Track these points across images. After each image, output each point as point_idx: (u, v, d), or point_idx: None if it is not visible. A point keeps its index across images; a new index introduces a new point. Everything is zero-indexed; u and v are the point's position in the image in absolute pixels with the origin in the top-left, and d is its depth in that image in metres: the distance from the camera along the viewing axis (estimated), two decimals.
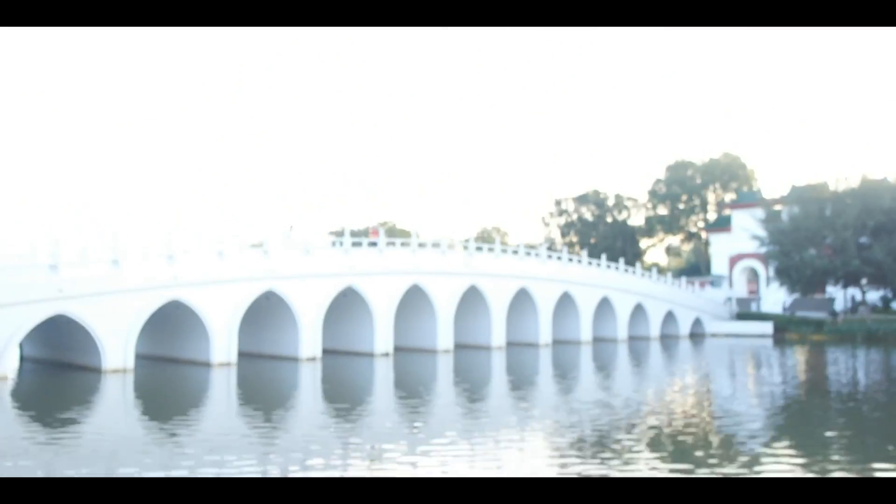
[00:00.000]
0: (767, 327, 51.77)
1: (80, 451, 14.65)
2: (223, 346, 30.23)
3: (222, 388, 24.86)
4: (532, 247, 52.42)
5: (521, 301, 42.67)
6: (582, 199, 78.46)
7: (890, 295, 52.95)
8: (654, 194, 76.31)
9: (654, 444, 15.09)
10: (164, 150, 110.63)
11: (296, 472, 12.61)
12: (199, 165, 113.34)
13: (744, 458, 14.07)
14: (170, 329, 31.63)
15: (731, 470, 12.89)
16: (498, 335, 40.44)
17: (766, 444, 15.50)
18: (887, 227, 49.62)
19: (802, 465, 13.32)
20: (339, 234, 46.42)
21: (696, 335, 52.56)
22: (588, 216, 78.28)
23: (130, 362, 27.72)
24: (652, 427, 17.06)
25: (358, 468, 12.93)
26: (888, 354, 38.44)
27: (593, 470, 12.73)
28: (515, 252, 43.99)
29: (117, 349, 27.40)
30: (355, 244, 36.17)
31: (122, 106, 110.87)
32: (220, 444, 14.97)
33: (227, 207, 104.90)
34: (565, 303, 45.07)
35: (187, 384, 25.84)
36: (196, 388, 24.95)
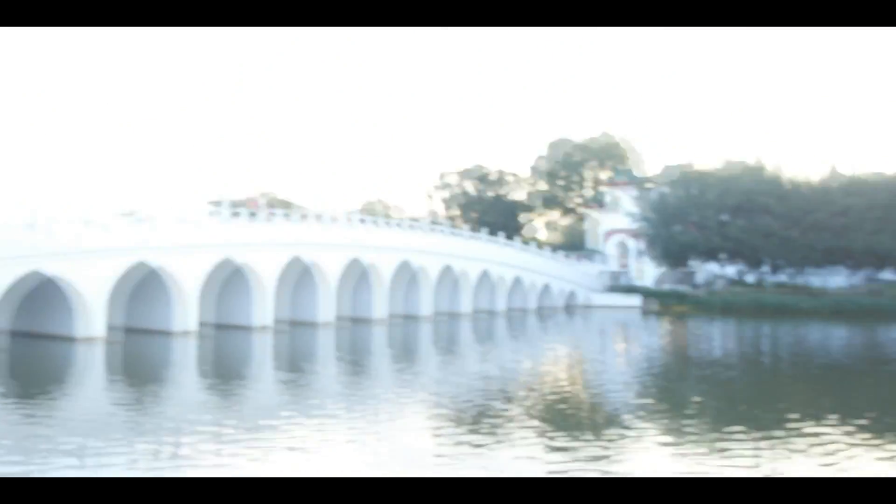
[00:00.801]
0: (636, 299, 54.69)
1: None
2: (90, 319, 28.70)
3: (85, 363, 23.68)
4: (416, 220, 52.72)
5: (405, 274, 42.94)
6: (465, 174, 79.42)
7: (745, 269, 57.22)
8: (535, 170, 78.33)
9: (531, 413, 15.74)
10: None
11: (170, 454, 12.30)
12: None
13: (616, 422, 14.95)
14: (34, 302, 29.70)
15: (606, 438, 13.67)
16: (380, 308, 40.54)
17: (635, 408, 16.52)
18: (745, 206, 53.47)
19: (667, 426, 14.34)
20: (219, 203, 44.85)
21: (571, 307, 54.78)
22: (471, 190, 79.40)
23: None
24: (528, 396, 17.76)
25: (231, 448, 12.77)
26: (740, 324, 41.70)
27: (470, 442, 13.15)
28: (399, 225, 44.09)
29: None
30: (234, 214, 35.12)
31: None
32: (82, 424, 14.32)
33: (102, 178, 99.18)
34: (448, 275, 45.75)
35: (49, 360, 24.39)
36: (58, 364, 23.61)
